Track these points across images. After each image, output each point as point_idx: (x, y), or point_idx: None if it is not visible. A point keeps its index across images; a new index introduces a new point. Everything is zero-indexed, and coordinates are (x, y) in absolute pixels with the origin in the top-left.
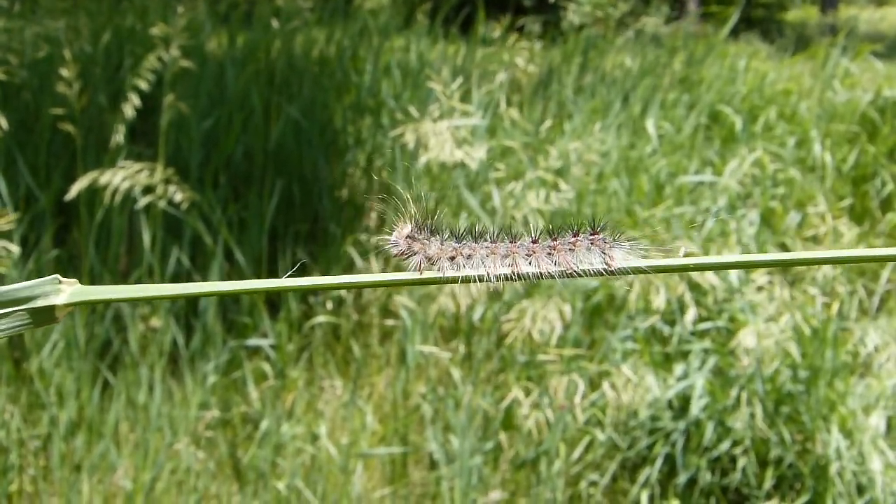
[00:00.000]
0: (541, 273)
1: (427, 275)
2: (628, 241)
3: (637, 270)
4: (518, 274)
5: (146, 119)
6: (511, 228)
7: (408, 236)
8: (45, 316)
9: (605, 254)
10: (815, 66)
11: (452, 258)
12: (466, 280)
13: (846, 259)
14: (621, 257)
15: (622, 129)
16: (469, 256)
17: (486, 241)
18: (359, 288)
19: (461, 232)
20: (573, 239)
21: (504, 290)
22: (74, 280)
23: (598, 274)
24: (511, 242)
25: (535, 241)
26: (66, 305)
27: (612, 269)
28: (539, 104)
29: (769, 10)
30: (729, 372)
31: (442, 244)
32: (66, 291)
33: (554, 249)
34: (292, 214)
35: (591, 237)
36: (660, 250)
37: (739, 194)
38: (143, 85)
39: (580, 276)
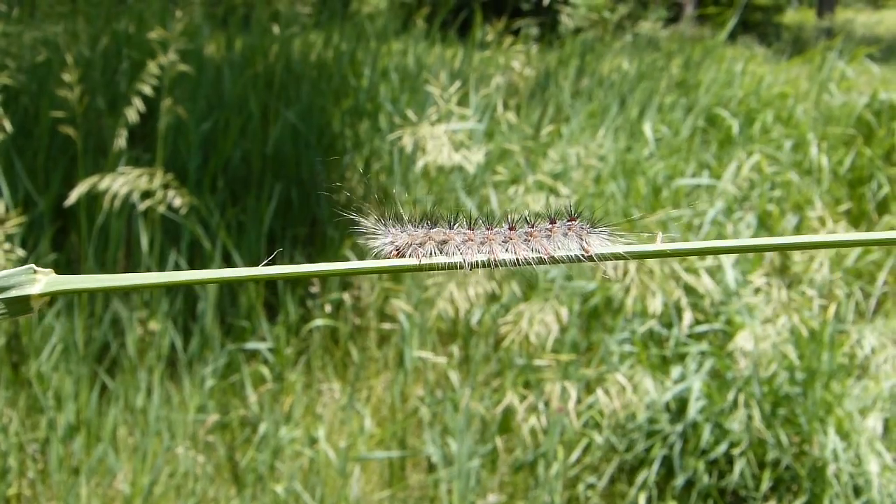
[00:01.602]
0: (518, 259)
1: (400, 262)
2: (606, 227)
3: (615, 256)
4: (494, 261)
5: (145, 123)
6: (489, 216)
7: (384, 227)
8: (19, 306)
9: (582, 240)
10: (811, 70)
11: (422, 244)
12: (434, 267)
13: (821, 244)
14: (598, 243)
15: (619, 132)
16: (444, 242)
17: (462, 227)
18: (327, 276)
19: (435, 219)
20: (550, 225)
21: (502, 294)
22: (50, 270)
23: (577, 260)
24: (488, 229)
25: (511, 228)
26: (41, 295)
27: (590, 254)
28: (536, 108)
29: (766, 13)
30: (726, 374)
31: (415, 230)
32: (41, 281)
33: (531, 236)
34: (290, 218)
35: (569, 223)
36: (637, 235)
37: (736, 197)
38: (149, 90)
39: (557, 262)
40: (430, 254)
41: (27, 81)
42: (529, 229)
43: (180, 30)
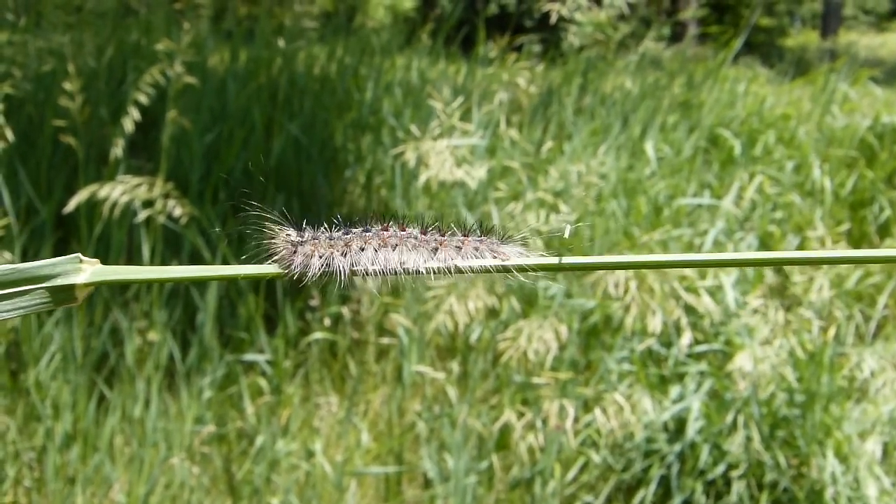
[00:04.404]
0: (429, 268)
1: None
2: (514, 242)
3: (519, 269)
4: (406, 269)
5: (147, 133)
6: (403, 217)
7: (291, 241)
8: (64, 295)
9: (494, 252)
10: (814, 91)
11: (344, 254)
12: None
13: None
14: (510, 253)
15: (621, 150)
16: (362, 249)
17: (378, 229)
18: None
19: (351, 223)
20: (462, 238)
21: (502, 310)
22: (96, 260)
23: (487, 270)
24: (402, 230)
25: (424, 232)
26: (87, 285)
27: (502, 265)
28: (539, 125)
29: (769, 34)
30: (725, 395)
31: (332, 239)
32: (87, 271)
33: (441, 245)
34: None
35: (479, 239)
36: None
37: (737, 217)
38: (146, 99)
39: (469, 272)
40: (352, 261)
41: (33, 90)
42: (440, 237)
43: (187, 41)
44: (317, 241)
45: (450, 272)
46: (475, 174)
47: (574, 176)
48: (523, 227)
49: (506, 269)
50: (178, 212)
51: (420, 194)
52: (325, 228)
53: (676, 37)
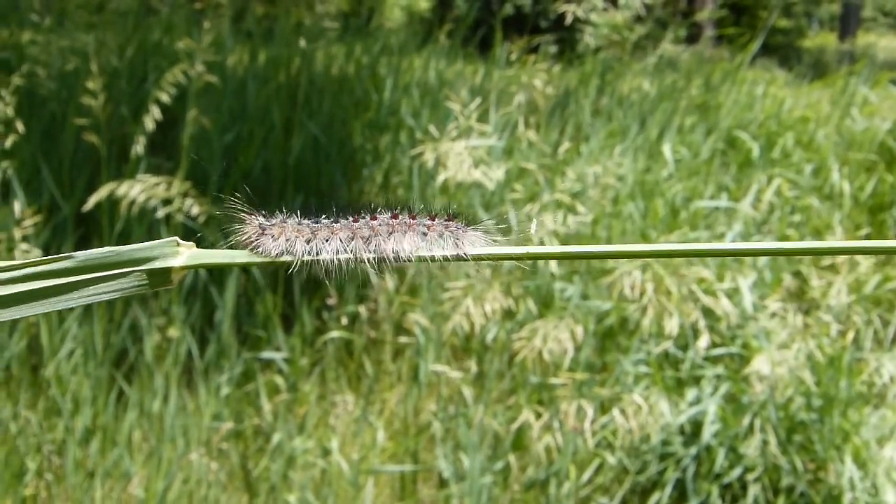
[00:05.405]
0: (397, 256)
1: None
2: (481, 228)
3: (490, 257)
4: (377, 257)
5: (167, 132)
6: (373, 206)
7: (259, 225)
8: (161, 278)
9: (457, 239)
10: (833, 94)
11: (308, 241)
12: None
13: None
14: (474, 239)
15: (638, 152)
16: (328, 240)
17: (345, 220)
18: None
19: (319, 213)
20: (429, 223)
21: (518, 311)
22: (192, 243)
23: (454, 259)
24: (372, 219)
25: (395, 217)
26: (183, 268)
27: (466, 253)
28: (556, 126)
29: (787, 36)
30: (742, 398)
31: (300, 225)
32: (183, 254)
33: (409, 228)
34: None
35: (446, 223)
36: (512, 236)
37: (755, 220)
38: (166, 98)
39: (433, 260)
40: (316, 249)
41: (56, 89)
42: (410, 221)
43: (208, 41)
44: (284, 225)
45: (420, 260)
46: (492, 175)
47: (591, 177)
48: (538, 227)
49: (470, 257)
50: (196, 210)
51: (437, 194)
52: (295, 215)
53: (693, 38)
